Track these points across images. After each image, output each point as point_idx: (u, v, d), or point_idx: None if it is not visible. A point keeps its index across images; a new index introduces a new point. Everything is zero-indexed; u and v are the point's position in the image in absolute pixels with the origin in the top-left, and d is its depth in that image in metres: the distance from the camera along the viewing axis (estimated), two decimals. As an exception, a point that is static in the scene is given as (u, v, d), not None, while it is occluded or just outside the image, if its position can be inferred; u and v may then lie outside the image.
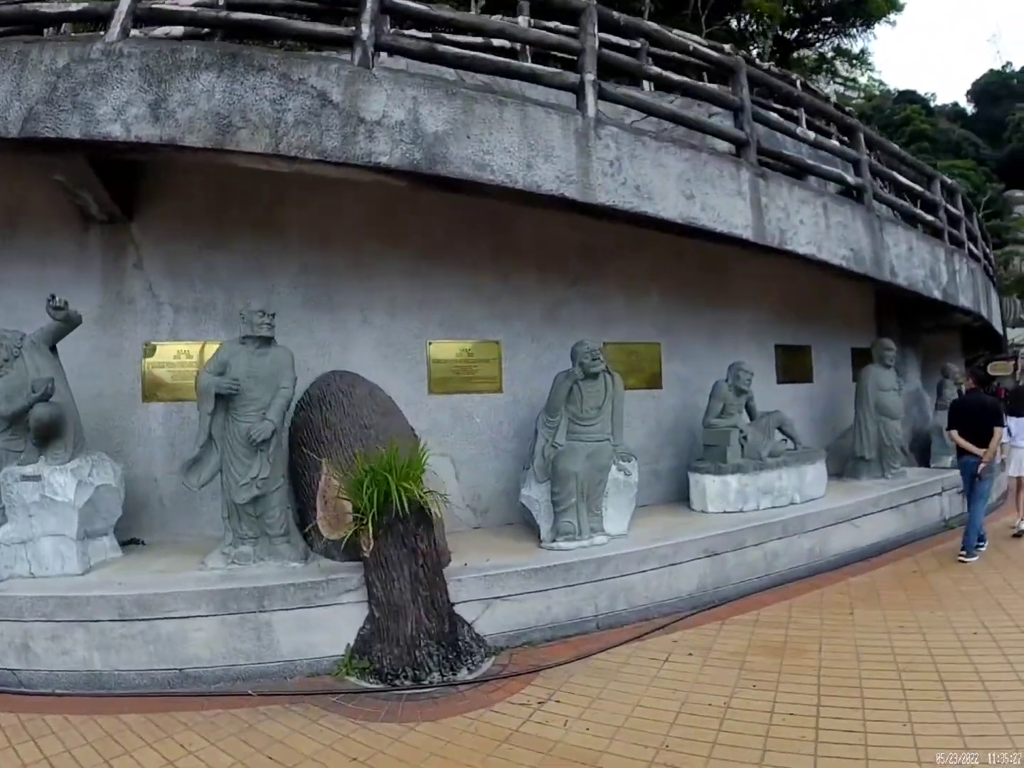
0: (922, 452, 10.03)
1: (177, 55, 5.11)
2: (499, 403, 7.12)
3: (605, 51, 6.55)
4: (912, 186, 9.85)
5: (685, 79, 7.13)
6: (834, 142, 9.29)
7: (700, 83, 7.31)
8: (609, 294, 7.72)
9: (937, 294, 9.27)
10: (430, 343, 6.94)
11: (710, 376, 7.62)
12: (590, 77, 6.24)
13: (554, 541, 5.88)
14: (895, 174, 9.64)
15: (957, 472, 8.80)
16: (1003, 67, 56.96)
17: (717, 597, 6.03)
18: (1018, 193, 35.13)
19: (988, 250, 13.40)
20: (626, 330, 7.78)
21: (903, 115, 39.97)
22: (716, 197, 6.67)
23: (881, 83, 43.79)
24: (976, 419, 7.07)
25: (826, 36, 22.94)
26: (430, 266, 6.89)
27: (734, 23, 19.49)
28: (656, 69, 6.98)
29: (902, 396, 8.85)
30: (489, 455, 7.05)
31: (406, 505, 4.72)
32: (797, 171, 8.16)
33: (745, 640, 5.11)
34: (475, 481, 6.97)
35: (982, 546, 7.23)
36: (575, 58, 6.65)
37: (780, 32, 21.68)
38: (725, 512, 6.89)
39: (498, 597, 5.18)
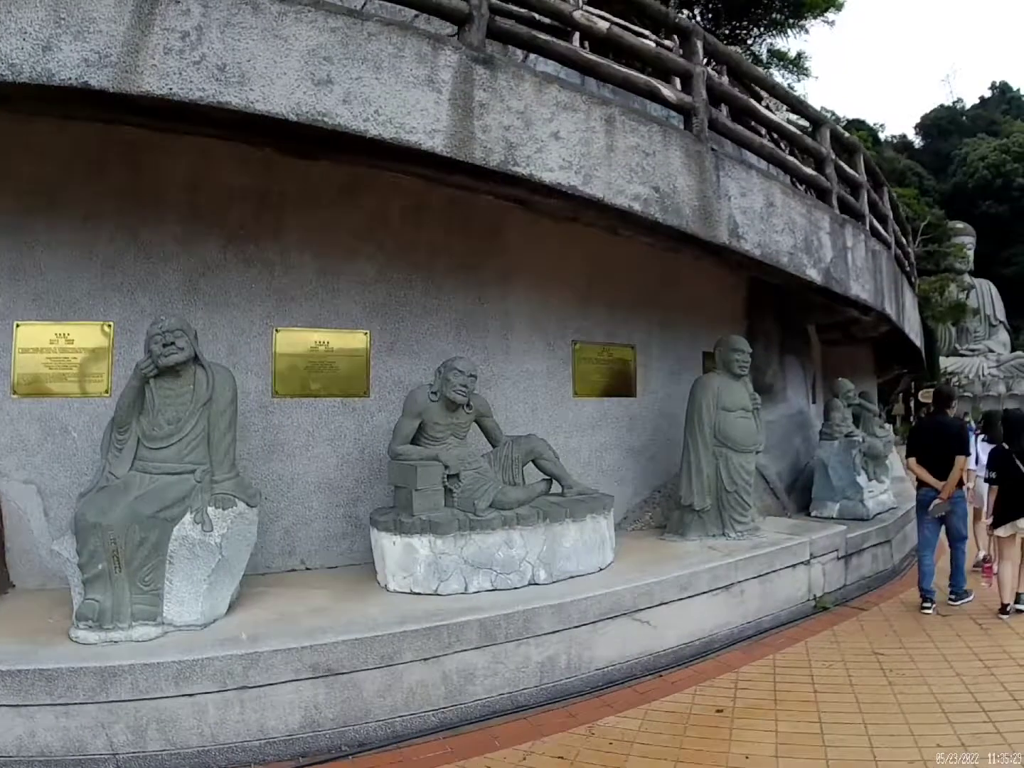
0: (804, 495, 7.39)
1: None
2: (105, 411, 4.49)
3: None
4: (785, 127, 7.27)
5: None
6: (647, 41, 6.69)
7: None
8: (291, 259, 5.08)
9: (813, 274, 6.66)
10: (18, 325, 4.63)
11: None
12: None
13: (77, 628, 3.41)
14: (756, 104, 6.98)
15: (840, 528, 6.23)
16: (954, 103, 56.68)
17: (344, 742, 3.44)
18: (959, 224, 34.15)
19: (906, 242, 10.85)
20: (314, 311, 5.13)
21: (850, 141, 39.05)
22: (381, 86, 4.09)
23: (832, 113, 43.68)
24: (936, 444, 5.73)
25: (759, 32, 20.95)
26: (34, 219, 4.69)
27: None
28: None
29: (759, 420, 6.11)
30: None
31: None
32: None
33: None
34: (71, 520, 4.33)
35: (960, 599, 5.65)
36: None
37: (709, 26, 19.91)
38: (413, 593, 4.17)
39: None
